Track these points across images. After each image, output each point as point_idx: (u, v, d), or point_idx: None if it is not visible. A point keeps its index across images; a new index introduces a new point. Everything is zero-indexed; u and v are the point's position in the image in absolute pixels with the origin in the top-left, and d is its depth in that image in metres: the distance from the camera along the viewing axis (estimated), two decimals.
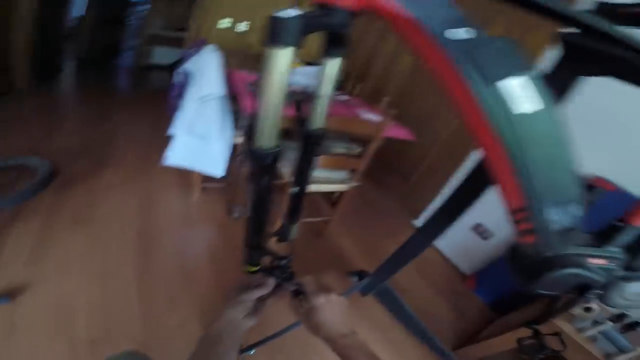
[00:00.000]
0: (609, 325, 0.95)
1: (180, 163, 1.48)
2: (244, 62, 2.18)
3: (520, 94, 0.23)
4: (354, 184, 1.54)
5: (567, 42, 0.34)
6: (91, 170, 1.79)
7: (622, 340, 0.95)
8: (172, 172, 1.98)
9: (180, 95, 1.60)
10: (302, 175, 0.63)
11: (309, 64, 1.82)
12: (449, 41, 0.22)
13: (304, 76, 1.53)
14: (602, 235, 0.34)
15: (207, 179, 1.75)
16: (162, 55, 4.50)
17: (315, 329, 0.55)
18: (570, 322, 1.00)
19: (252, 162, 0.45)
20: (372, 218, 2.27)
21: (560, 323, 0.99)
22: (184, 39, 4.10)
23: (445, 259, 2.03)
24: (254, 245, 0.61)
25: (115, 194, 1.68)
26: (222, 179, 1.64)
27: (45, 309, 1.07)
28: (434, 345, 1.23)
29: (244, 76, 1.57)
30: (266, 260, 0.67)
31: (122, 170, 1.89)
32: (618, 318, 0.94)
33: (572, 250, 0.33)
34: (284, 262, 0.63)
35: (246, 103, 1.19)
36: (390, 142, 1.46)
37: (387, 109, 1.27)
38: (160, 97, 3.42)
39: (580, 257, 0.33)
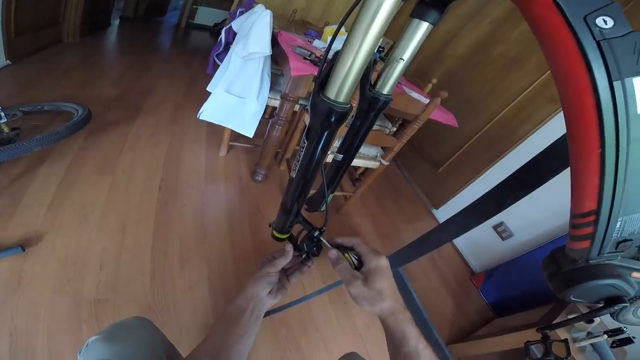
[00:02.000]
0: (603, 339, 0.95)
1: (214, 119, 1.49)
2: (288, 25, 2.13)
3: None
4: (385, 163, 1.52)
5: None
6: (124, 120, 1.80)
7: (610, 354, 0.97)
8: (203, 128, 2.02)
9: (224, 52, 1.60)
10: (352, 142, 0.57)
11: None
12: (583, 28, 0.21)
13: None
14: None
15: (235, 138, 1.76)
16: (205, 15, 4.54)
17: (376, 297, 0.44)
18: (568, 331, 1.01)
19: (314, 115, 0.40)
20: (392, 200, 2.27)
21: (559, 331, 1.00)
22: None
23: (458, 253, 2.04)
24: (291, 210, 0.54)
25: (144, 145, 1.68)
26: (249, 140, 1.64)
27: (55, 262, 1.02)
28: (432, 339, 1.25)
29: (291, 38, 1.53)
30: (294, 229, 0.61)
31: (154, 122, 1.91)
32: (613, 332, 0.94)
33: (618, 261, 0.32)
34: (316, 233, 0.57)
35: (292, 65, 1.17)
36: (426, 125, 1.42)
37: (438, 91, 1.23)
38: (199, 55, 3.46)
39: (625, 269, 0.33)
